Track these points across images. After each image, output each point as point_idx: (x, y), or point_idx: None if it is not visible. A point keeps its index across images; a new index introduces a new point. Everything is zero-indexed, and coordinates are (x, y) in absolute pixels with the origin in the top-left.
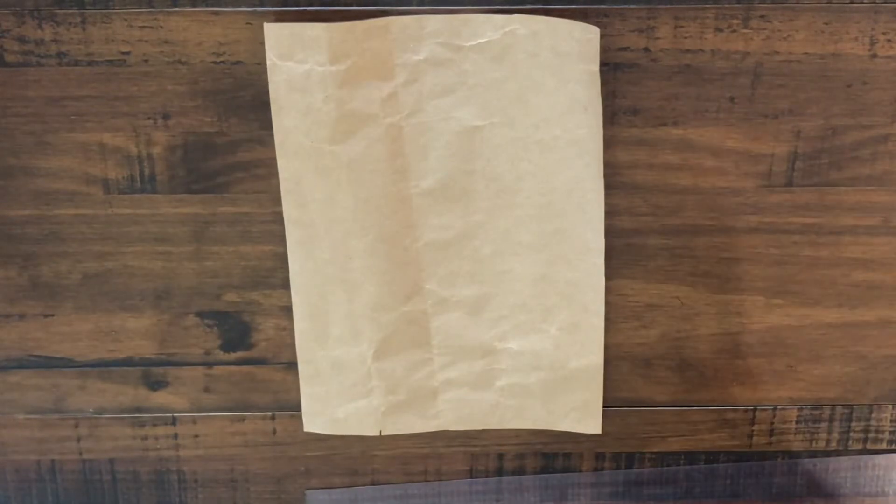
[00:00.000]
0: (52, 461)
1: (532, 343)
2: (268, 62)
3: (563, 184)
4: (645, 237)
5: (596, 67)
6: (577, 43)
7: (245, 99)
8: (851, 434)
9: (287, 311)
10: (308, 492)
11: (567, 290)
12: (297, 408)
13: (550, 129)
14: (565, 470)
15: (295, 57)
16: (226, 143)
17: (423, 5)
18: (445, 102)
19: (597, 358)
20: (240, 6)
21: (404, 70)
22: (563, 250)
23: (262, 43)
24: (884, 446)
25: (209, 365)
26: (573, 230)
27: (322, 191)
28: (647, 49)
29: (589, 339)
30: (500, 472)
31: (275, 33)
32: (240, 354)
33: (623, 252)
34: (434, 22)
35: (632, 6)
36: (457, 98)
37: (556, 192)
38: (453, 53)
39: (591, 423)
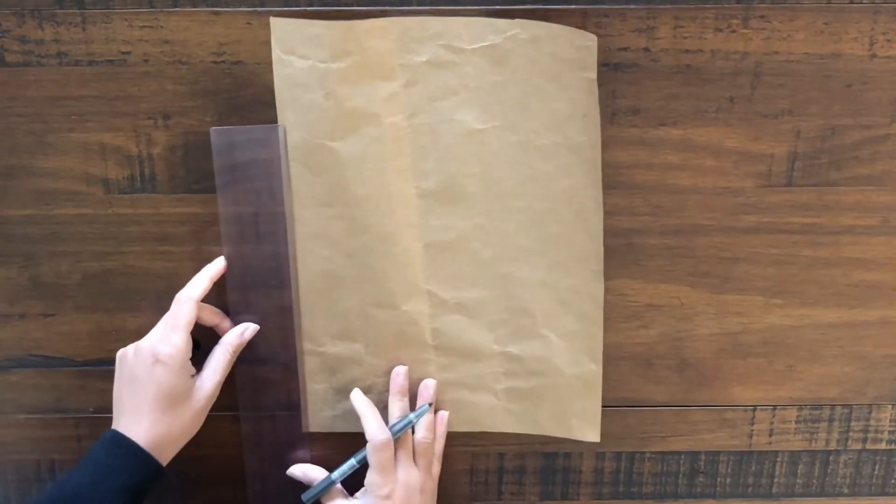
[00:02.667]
0: (52, 461)
1: (531, 348)
2: (273, 56)
3: (563, 190)
4: (645, 237)
5: (594, 75)
6: (576, 50)
7: (245, 99)
8: (851, 434)
9: (289, 311)
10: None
11: (566, 296)
12: (297, 408)
13: (551, 135)
14: (565, 470)
15: (297, 52)
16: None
17: (423, 5)
18: (447, 104)
19: (596, 367)
20: (240, 6)
21: (406, 71)
22: (562, 257)
23: (263, 43)
24: (883, 446)
25: None
26: (572, 237)
27: (323, 187)
28: (647, 49)
29: (588, 348)
30: (500, 472)
31: (280, 28)
32: (242, 355)
33: (623, 252)
34: (436, 24)
35: (632, 6)
36: (458, 100)
37: (556, 198)
38: (455, 56)
39: (589, 431)
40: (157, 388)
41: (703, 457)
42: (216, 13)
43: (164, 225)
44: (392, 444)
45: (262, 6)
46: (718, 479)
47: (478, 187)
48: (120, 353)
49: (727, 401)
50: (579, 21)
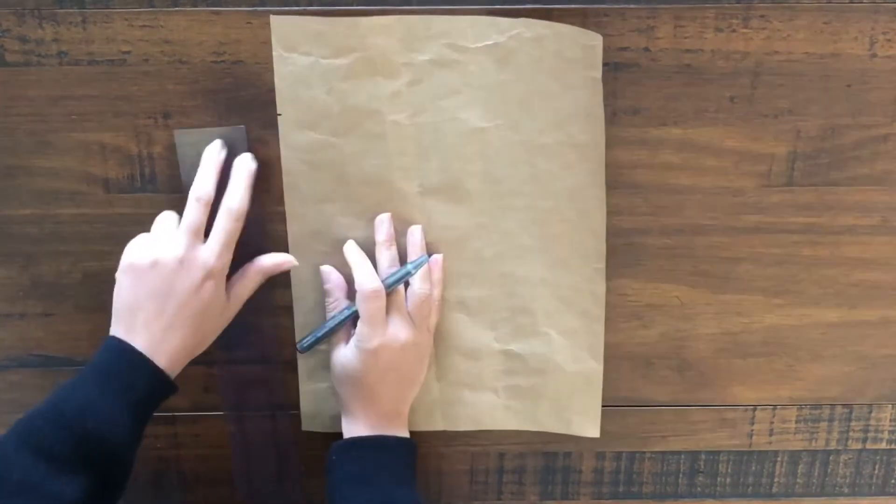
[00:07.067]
0: None
1: (532, 346)
2: (274, 54)
3: (565, 189)
4: (645, 237)
5: (598, 74)
6: (581, 49)
7: (245, 98)
8: (851, 434)
9: (287, 310)
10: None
11: (568, 294)
12: (297, 407)
13: (554, 134)
14: (565, 470)
15: (300, 49)
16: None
17: (424, 4)
18: (450, 103)
19: (596, 363)
20: (240, 6)
21: (410, 69)
22: (564, 255)
23: (263, 42)
24: (883, 446)
25: (209, 364)
26: (575, 235)
27: (324, 184)
28: (647, 49)
29: (589, 345)
30: (500, 472)
31: (281, 25)
32: (240, 354)
33: (623, 251)
34: (440, 23)
35: (632, 6)
36: (462, 99)
37: (559, 196)
38: (459, 54)
39: (589, 427)
40: (200, 303)
41: (703, 457)
42: (216, 13)
43: None
44: (383, 294)
45: (262, 6)
46: (718, 479)
47: (480, 186)
48: (139, 258)
49: (727, 401)
50: (580, 21)
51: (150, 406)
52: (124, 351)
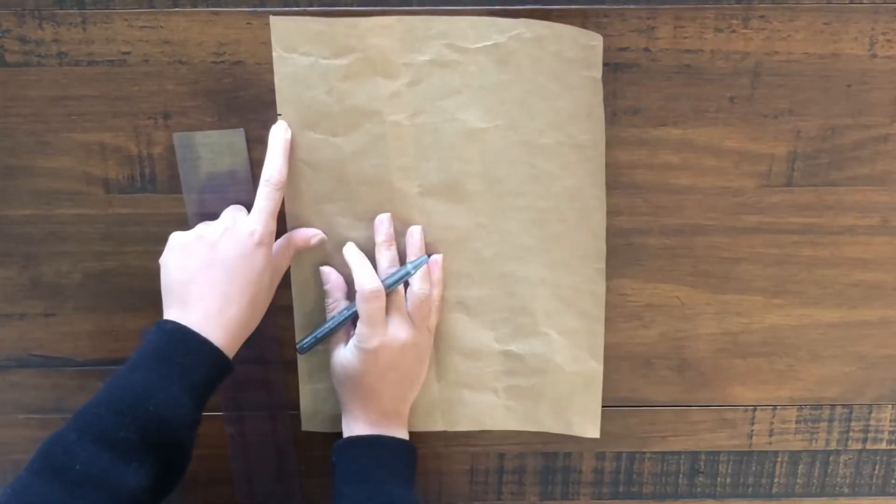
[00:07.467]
0: None
1: (532, 346)
2: (273, 54)
3: (565, 189)
4: (645, 237)
5: (599, 74)
6: (582, 49)
7: (245, 99)
8: (851, 434)
9: (287, 310)
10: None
11: (568, 294)
12: (297, 407)
13: (554, 134)
14: (565, 470)
15: (300, 49)
16: None
17: (424, 5)
18: (450, 103)
19: (596, 364)
20: (240, 6)
21: (409, 69)
22: (564, 255)
23: (263, 43)
24: (883, 446)
25: None
26: (575, 235)
27: (324, 184)
28: (647, 49)
29: (589, 345)
30: (500, 472)
31: (280, 26)
32: (239, 354)
33: (623, 252)
34: (440, 23)
35: (632, 6)
36: (461, 99)
37: (559, 197)
38: (459, 55)
39: (589, 427)
40: (252, 271)
41: (703, 457)
42: (216, 13)
43: (164, 225)
44: (383, 294)
45: (262, 6)
46: (718, 479)
47: (480, 186)
48: (184, 236)
49: (727, 401)
50: (580, 21)
51: (209, 388)
52: (180, 332)
